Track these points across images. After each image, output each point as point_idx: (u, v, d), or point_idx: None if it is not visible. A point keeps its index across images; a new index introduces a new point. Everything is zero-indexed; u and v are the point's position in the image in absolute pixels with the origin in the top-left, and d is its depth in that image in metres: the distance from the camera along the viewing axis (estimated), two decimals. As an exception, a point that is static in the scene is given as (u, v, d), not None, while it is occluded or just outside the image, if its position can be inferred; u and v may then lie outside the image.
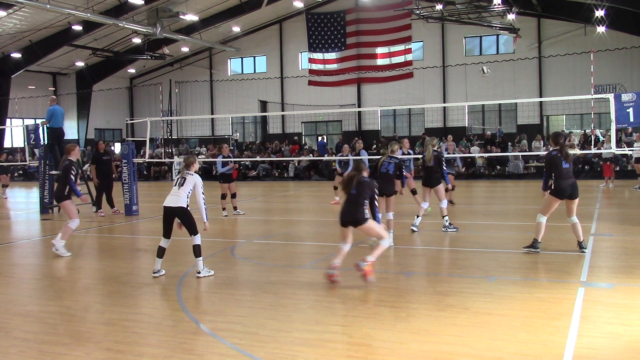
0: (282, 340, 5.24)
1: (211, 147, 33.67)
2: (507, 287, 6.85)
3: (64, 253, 9.71)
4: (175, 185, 7.84)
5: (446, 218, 11.03)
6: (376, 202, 7.37)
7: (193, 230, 7.76)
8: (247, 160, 29.64)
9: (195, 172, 7.98)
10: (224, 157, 14.75)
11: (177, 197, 7.72)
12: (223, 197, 14.59)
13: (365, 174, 7.43)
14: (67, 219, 10.08)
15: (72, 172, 10.23)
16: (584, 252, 8.51)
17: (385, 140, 24.37)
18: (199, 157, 31.27)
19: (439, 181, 11.01)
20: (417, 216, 11.16)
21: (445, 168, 11.11)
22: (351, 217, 7.24)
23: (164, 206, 7.79)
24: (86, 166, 20.69)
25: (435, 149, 11.05)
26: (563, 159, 8.51)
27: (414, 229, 11.03)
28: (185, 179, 7.79)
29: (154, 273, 7.86)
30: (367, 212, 7.23)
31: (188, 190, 7.74)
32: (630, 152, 18.47)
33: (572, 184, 8.52)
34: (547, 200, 8.65)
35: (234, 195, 14.71)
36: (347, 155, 16.37)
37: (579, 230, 8.59)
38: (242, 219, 14.20)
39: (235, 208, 14.76)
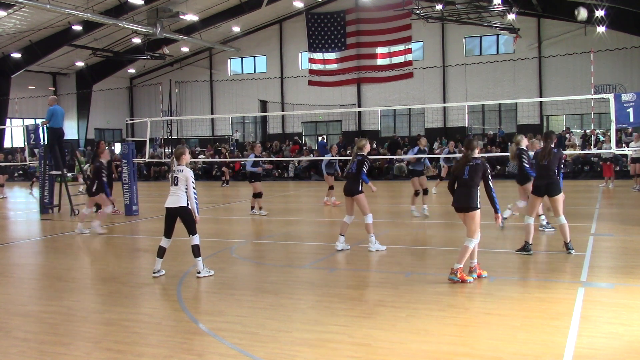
0: (282, 340, 5.24)
1: (209, 147, 33.68)
2: (507, 287, 6.85)
3: (100, 230, 11.96)
4: (171, 184, 7.84)
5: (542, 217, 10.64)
6: (490, 184, 7.16)
7: (192, 230, 7.76)
8: (246, 161, 29.63)
9: (186, 164, 7.92)
10: (256, 156, 14.72)
11: (176, 197, 7.72)
12: (255, 195, 14.51)
13: (477, 152, 7.25)
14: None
15: (103, 173, 11.92)
16: (570, 253, 8.50)
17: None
18: (199, 157, 31.29)
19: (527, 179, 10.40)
20: (541, 215, 10.61)
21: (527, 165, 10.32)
22: (464, 202, 7.14)
23: (166, 207, 7.79)
24: (86, 166, 20.70)
25: (519, 146, 10.36)
26: (541, 158, 8.63)
27: (546, 228, 10.58)
28: (177, 177, 7.75)
29: (154, 273, 7.86)
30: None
31: (184, 188, 7.72)
32: (630, 152, 18.48)
33: (548, 183, 8.54)
34: (530, 199, 8.82)
35: (259, 195, 14.62)
36: (334, 156, 16.53)
37: (566, 231, 8.57)
38: (242, 219, 14.19)
39: (260, 208, 14.67)
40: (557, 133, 28.11)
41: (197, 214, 7.85)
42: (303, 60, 36.65)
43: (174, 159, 7.93)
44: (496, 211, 7.17)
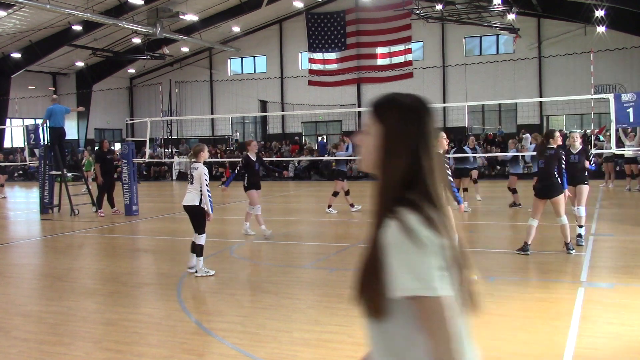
0: (282, 340, 5.24)
1: (211, 148, 33.69)
2: (507, 287, 6.85)
3: (249, 232, 11.33)
4: (189, 182, 7.87)
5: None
6: (449, 179, 7.27)
7: (199, 229, 7.76)
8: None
9: (204, 161, 7.94)
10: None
11: (190, 195, 7.75)
12: (336, 194, 14.43)
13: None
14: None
15: (240, 165, 11.48)
16: (570, 253, 8.46)
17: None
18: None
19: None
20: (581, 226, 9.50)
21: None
22: None
23: (183, 205, 7.84)
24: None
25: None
26: (538, 157, 8.60)
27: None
28: (192, 176, 7.78)
29: (189, 269, 7.87)
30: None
31: (198, 186, 7.72)
32: (630, 152, 18.46)
33: (545, 185, 8.49)
34: (533, 202, 8.72)
35: (346, 193, 14.48)
36: None
37: (566, 231, 8.52)
38: (241, 219, 14.16)
39: (352, 205, 14.48)
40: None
41: (210, 212, 7.83)
42: (303, 60, 36.63)
43: (192, 155, 7.95)
44: (458, 203, 7.40)
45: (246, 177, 11.14)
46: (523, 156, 16.83)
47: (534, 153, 13.39)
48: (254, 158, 11.16)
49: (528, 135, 15.10)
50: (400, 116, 1.77)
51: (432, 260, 1.61)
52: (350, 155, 14.49)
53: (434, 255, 1.61)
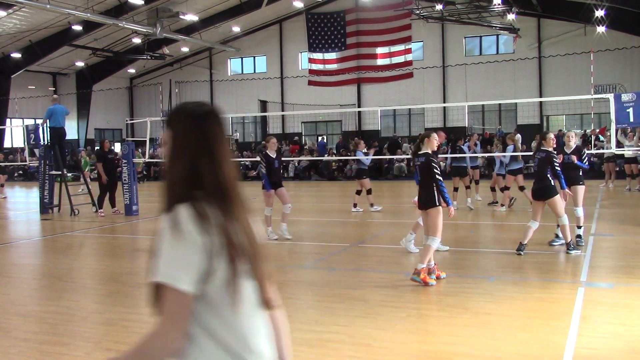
0: (282, 340, 5.23)
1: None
2: (507, 287, 6.85)
3: (286, 235, 10.70)
4: None
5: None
6: (437, 177, 7.12)
7: None
8: (247, 161, 29.64)
9: None
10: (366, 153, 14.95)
11: None
12: (359, 193, 14.55)
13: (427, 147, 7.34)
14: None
15: (262, 165, 10.80)
16: (569, 253, 8.43)
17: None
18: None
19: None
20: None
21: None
22: (423, 200, 7.31)
23: None
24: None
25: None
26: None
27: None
28: None
29: None
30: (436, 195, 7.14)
31: None
32: (630, 152, 18.48)
33: (539, 187, 8.46)
34: (532, 205, 8.69)
35: (368, 192, 14.52)
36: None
37: (566, 231, 8.47)
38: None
39: (356, 205, 14.60)
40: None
41: None
42: (303, 60, 36.63)
43: None
44: (447, 204, 7.07)
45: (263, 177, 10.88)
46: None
47: (513, 154, 13.66)
48: (273, 155, 10.67)
49: (519, 136, 15.12)
50: (182, 123, 1.93)
51: (187, 253, 1.73)
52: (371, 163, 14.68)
53: (192, 249, 1.74)
